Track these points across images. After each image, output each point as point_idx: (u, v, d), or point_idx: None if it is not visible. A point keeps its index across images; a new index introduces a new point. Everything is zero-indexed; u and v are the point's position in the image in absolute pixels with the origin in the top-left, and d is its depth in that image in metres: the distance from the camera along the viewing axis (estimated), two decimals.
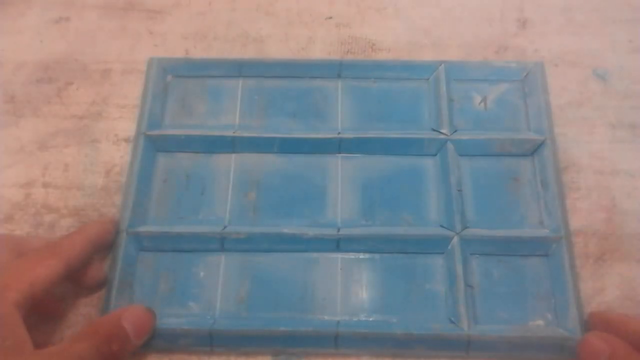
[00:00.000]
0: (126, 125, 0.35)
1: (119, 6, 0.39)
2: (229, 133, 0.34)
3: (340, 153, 0.34)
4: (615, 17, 0.38)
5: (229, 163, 0.34)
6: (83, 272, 0.29)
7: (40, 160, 0.34)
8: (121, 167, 0.34)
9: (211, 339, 0.29)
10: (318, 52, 0.37)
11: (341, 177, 0.33)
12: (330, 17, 0.39)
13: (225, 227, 0.31)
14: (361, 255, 0.31)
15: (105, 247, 0.30)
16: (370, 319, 0.30)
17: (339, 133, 0.34)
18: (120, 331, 0.26)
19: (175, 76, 0.36)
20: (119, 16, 0.39)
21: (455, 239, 0.31)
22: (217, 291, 0.31)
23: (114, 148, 0.35)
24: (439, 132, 0.33)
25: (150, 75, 0.35)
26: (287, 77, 0.36)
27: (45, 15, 0.39)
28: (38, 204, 0.33)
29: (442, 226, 0.32)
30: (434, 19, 0.38)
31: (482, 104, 0.35)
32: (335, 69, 0.36)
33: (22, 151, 0.35)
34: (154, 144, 0.34)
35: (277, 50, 0.38)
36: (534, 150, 0.33)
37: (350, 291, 0.31)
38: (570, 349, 0.28)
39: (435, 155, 0.34)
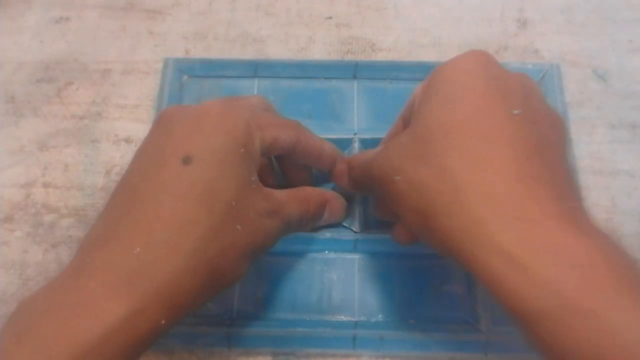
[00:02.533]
0: (126, 125, 0.35)
1: (119, 6, 0.39)
2: None
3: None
4: (615, 17, 0.38)
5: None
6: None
7: (40, 160, 0.34)
8: (121, 167, 0.34)
9: (229, 339, 0.29)
10: (318, 52, 0.37)
11: None
12: (330, 17, 0.39)
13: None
14: (378, 257, 0.31)
15: (321, 169, 0.30)
16: (388, 320, 0.30)
17: (355, 133, 0.34)
18: (321, 213, 0.29)
19: (191, 76, 0.36)
20: (119, 16, 0.39)
21: None
22: (234, 292, 0.31)
23: (114, 148, 0.35)
24: None
25: (166, 76, 0.35)
26: (302, 78, 0.36)
27: (45, 15, 0.39)
28: (38, 204, 0.33)
29: None
30: (434, 19, 0.38)
31: None
32: (351, 70, 0.36)
33: (22, 151, 0.35)
34: None
35: (277, 50, 0.38)
36: None
37: (367, 292, 0.31)
38: None
39: None
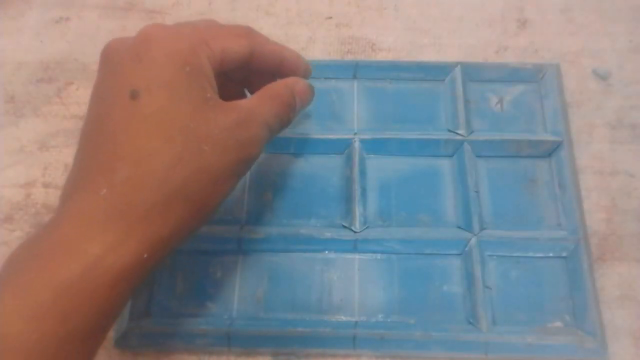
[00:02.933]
0: None
1: (119, 6, 0.39)
2: None
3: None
4: (615, 17, 0.38)
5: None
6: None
7: (40, 160, 0.34)
8: None
9: (229, 339, 0.29)
10: (318, 52, 0.37)
11: (358, 177, 0.33)
12: (330, 17, 0.39)
13: (242, 227, 0.31)
14: (378, 256, 0.31)
15: (286, 75, 0.29)
16: (388, 320, 0.30)
17: (355, 133, 0.34)
18: (293, 101, 0.28)
19: None
20: (119, 16, 0.39)
21: (473, 240, 0.31)
22: (234, 291, 0.31)
23: None
24: (456, 133, 0.33)
25: None
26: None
27: (45, 15, 0.39)
28: (38, 204, 0.33)
29: (459, 227, 0.32)
30: (434, 19, 0.38)
31: (499, 105, 0.35)
32: (351, 70, 0.36)
33: (22, 151, 0.35)
34: None
35: None
36: (551, 151, 0.33)
37: (367, 292, 0.31)
38: (589, 351, 0.28)
39: (452, 156, 0.34)
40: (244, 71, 0.29)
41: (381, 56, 0.37)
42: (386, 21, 0.39)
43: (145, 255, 0.21)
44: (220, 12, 0.39)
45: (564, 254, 0.31)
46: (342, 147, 0.34)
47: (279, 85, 0.27)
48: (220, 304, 0.30)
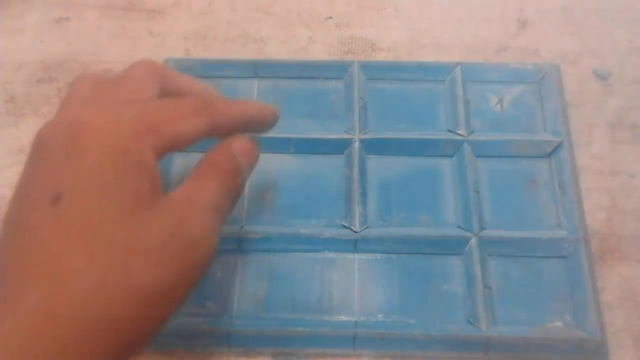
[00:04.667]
0: None
1: (119, 6, 0.39)
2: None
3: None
4: (615, 17, 0.38)
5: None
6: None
7: None
8: None
9: (229, 339, 0.29)
10: (318, 52, 0.37)
11: (358, 177, 0.33)
12: (330, 17, 0.39)
13: (242, 227, 0.31)
14: (378, 256, 0.31)
15: (258, 130, 0.26)
16: (388, 320, 0.30)
17: (355, 134, 0.33)
18: (237, 164, 0.24)
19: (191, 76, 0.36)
20: (119, 16, 0.39)
21: (473, 240, 0.31)
22: (234, 291, 0.31)
23: None
24: (456, 133, 0.33)
25: None
26: (302, 78, 0.36)
27: (45, 15, 0.39)
28: None
29: (459, 227, 0.32)
30: (434, 19, 0.38)
31: (499, 105, 0.35)
32: (351, 70, 0.36)
33: (22, 151, 0.35)
34: None
35: (277, 50, 0.38)
36: (551, 152, 0.33)
37: (367, 292, 0.30)
38: (589, 351, 0.28)
39: (452, 156, 0.34)
40: None
41: (381, 56, 0.37)
42: (386, 21, 0.39)
43: None
44: (220, 12, 0.39)
45: (564, 254, 0.31)
46: (342, 147, 0.34)
47: (216, 154, 0.24)
48: (220, 304, 0.30)
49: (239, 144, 0.24)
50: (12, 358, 0.17)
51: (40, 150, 0.21)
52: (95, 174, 0.19)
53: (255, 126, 0.26)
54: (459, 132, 0.33)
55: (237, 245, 0.31)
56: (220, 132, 0.24)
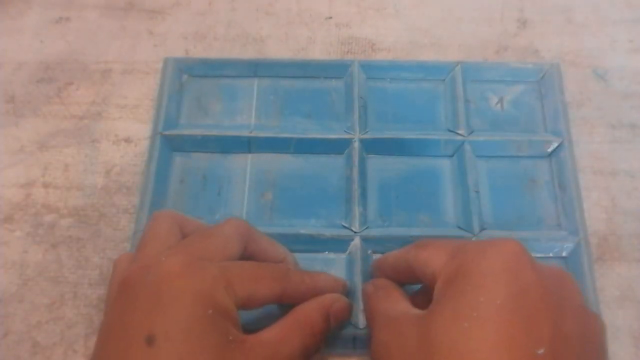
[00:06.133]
0: (126, 125, 0.35)
1: (119, 6, 0.39)
2: (245, 133, 0.34)
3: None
4: (615, 17, 0.38)
5: (245, 163, 0.34)
6: None
7: (40, 160, 0.34)
8: (121, 167, 0.34)
9: None
10: (318, 52, 0.37)
11: (358, 177, 0.33)
12: (330, 17, 0.39)
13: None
14: (379, 257, 0.31)
15: (335, 325, 0.26)
16: None
17: (355, 134, 0.33)
18: (326, 326, 0.25)
19: (191, 76, 0.36)
20: (119, 16, 0.39)
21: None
22: None
23: (114, 148, 0.35)
24: (456, 133, 0.33)
25: (166, 76, 0.35)
26: (302, 78, 0.36)
27: (45, 15, 0.39)
28: (38, 204, 0.33)
29: (459, 227, 0.32)
30: (434, 19, 0.38)
31: (499, 105, 0.35)
32: (351, 70, 0.36)
33: (22, 151, 0.35)
34: (170, 144, 0.34)
35: (277, 50, 0.38)
36: (552, 151, 0.33)
37: None
38: None
39: (452, 156, 0.34)
40: None
41: (381, 56, 0.37)
42: (386, 21, 0.39)
43: None
44: (220, 12, 0.39)
45: (564, 254, 0.31)
46: (342, 147, 0.34)
47: (311, 309, 0.25)
48: None
49: (337, 305, 0.26)
50: None
51: (129, 293, 0.22)
52: (186, 319, 0.21)
53: (336, 318, 0.27)
54: (459, 132, 0.33)
55: None
56: (290, 301, 0.25)
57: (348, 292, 0.29)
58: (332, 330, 0.26)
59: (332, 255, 0.31)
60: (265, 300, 0.24)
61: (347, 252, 0.31)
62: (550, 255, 0.31)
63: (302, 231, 0.31)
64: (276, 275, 0.25)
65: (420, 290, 0.27)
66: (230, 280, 0.23)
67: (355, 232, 0.31)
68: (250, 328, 0.24)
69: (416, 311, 0.23)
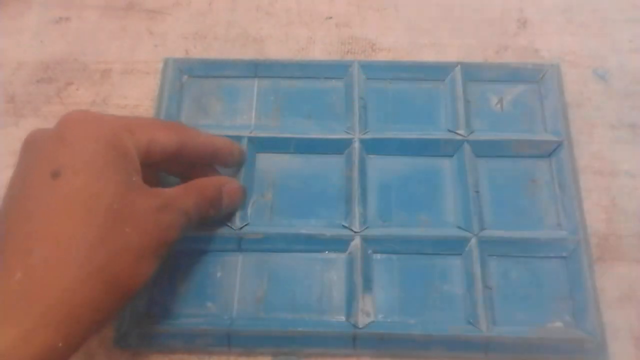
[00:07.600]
0: None
1: (119, 6, 0.39)
2: (245, 133, 0.33)
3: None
4: (615, 17, 0.38)
5: (245, 163, 0.34)
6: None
7: None
8: None
9: (229, 339, 0.29)
10: (318, 52, 0.37)
11: (358, 177, 0.33)
12: (330, 17, 0.39)
13: (242, 227, 0.31)
14: (378, 256, 0.31)
15: (225, 163, 0.31)
16: (388, 320, 0.30)
17: (355, 134, 0.33)
18: (219, 198, 0.29)
19: (191, 76, 0.36)
20: (119, 16, 0.39)
21: (473, 241, 0.31)
22: (234, 291, 0.31)
23: None
24: (456, 133, 0.33)
25: (166, 76, 0.35)
26: (302, 78, 0.36)
27: (45, 15, 0.39)
28: None
29: (459, 227, 0.32)
30: (434, 19, 0.38)
31: (499, 105, 0.35)
32: (351, 70, 0.36)
33: None
34: None
35: (277, 50, 0.38)
36: (552, 151, 0.33)
37: (367, 292, 0.30)
38: (589, 351, 0.28)
39: (452, 156, 0.34)
40: (177, 164, 0.30)
41: (381, 56, 0.37)
42: (386, 21, 0.39)
43: (61, 344, 0.20)
44: (220, 12, 0.39)
45: (564, 254, 0.31)
46: (342, 147, 0.34)
47: (208, 181, 0.29)
48: (220, 304, 0.30)
49: (230, 186, 0.30)
50: (24, 303, 0.20)
51: (32, 144, 0.24)
52: (90, 155, 0.23)
53: (221, 158, 0.30)
54: (459, 132, 0.33)
55: (237, 245, 0.31)
56: (190, 154, 0.28)
57: (242, 159, 0.32)
58: (226, 209, 0.30)
59: (332, 255, 0.31)
60: (164, 148, 0.26)
61: (347, 252, 0.31)
62: (550, 255, 0.31)
63: (302, 231, 0.31)
64: (172, 125, 0.27)
65: None
66: (130, 127, 0.25)
67: (355, 232, 0.31)
68: None
69: None
